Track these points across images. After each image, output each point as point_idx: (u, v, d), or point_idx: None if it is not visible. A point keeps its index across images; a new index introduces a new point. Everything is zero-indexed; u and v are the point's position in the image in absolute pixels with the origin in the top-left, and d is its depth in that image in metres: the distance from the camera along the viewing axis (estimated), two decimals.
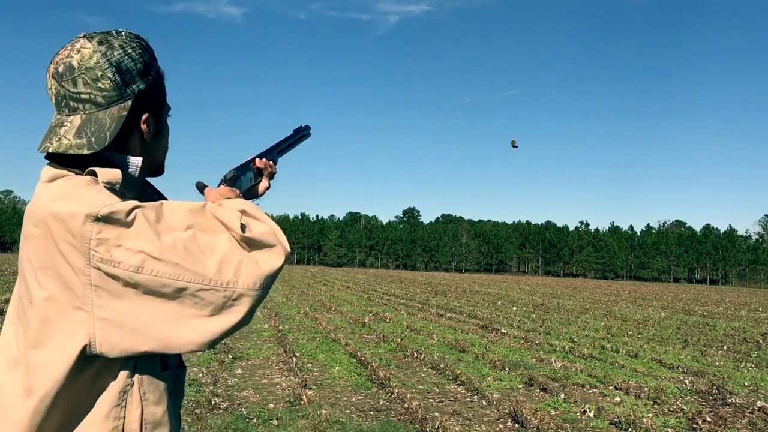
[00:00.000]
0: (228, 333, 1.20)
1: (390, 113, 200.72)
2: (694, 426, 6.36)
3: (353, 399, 7.09)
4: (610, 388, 8.25)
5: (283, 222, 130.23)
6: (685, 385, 8.63)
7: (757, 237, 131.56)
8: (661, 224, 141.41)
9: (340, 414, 6.38)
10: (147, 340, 1.15)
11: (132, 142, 1.29)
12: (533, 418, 6.21)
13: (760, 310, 29.46)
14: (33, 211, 1.19)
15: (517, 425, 6.20)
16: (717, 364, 10.95)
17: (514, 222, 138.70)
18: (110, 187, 1.19)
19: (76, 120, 1.21)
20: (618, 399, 7.56)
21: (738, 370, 10.23)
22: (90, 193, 1.16)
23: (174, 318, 1.15)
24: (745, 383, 9.06)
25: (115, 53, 1.22)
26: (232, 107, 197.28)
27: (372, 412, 6.51)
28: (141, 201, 1.22)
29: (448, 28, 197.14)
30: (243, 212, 1.25)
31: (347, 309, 18.55)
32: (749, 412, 7.12)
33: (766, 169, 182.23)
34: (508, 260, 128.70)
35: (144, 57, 1.26)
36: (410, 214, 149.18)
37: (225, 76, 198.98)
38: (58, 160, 1.26)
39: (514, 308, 22.51)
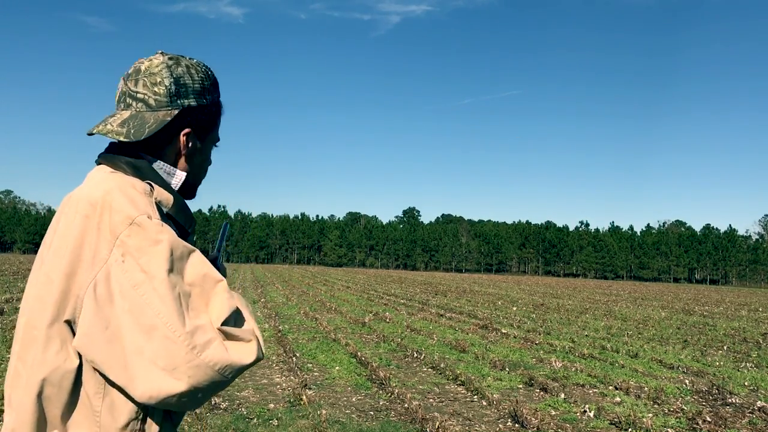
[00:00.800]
0: (162, 401, 1.14)
1: (390, 113, 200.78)
2: (694, 426, 6.36)
3: (353, 399, 7.09)
4: (610, 388, 8.25)
5: (283, 222, 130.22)
6: (685, 385, 8.63)
7: (757, 237, 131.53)
8: (661, 224, 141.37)
9: (340, 414, 6.38)
10: (98, 352, 1.15)
11: (168, 150, 1.38)
12: (533, 418, 6.21)
13: (760, 310, 29.46)
14: (90, 194, 1.25)
15: (517, 425, 6.20)
16: (717, 364, 10.94)
17: (514, 222, 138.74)
18: (159, 206, 1.29)
19: (126, 114, 1.34)
20: (618, 399, 7.56)
21: (738, 370, 10.23)
22: (142, 200, 1.25)
23: (133, 348, 1.13)
24: (745, 383, 9.06)
25: (179, 69, 1.36)
26: (232, 107, 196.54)
27: (372, 412, 6.51)
28: (179, 218, 1.35)
29: (449, 28, 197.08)
30: (237, 310, 1.25)
31: (347, 309, 18.55)
32: (749, 412, 7.12)
33: (766, 169, 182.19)
34: (508, 260, 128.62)
35: (204, 82, 1.39)
36: (410, 214, 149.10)
37: (226, 77, 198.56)
38: (108, 151, 1.37)
39: (514, 308, 22.52)
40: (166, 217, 1.30)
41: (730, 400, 7.70)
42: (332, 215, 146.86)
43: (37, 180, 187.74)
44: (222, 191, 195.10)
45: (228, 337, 1.20)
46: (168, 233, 1.21)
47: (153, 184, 1.30)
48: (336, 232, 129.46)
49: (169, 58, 1.35)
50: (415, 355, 10.16)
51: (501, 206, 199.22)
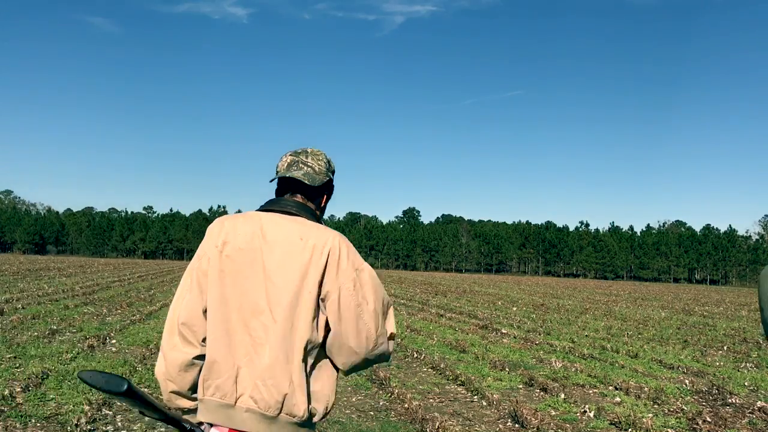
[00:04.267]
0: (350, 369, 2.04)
1: (392, 113, 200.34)
2: (694, 426, 6.36)
3: (353, 399, 7.10)
4: (610, 388, 8.25)
5: None
6: (685, 385, 8.63)
7: (757, 237, 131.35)
8: (661, 224, 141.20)
9: (340, 414, 6.38)
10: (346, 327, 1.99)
11: (318, 206, 2.14)
12: (533, 418, 6.20)
13: None
14: (328, 239, 1.95)
15: (517, 425, 6.20)
16: (717, 364, 10.95)
17: (514, 222, 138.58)
18: None
19: (302, 172, 2.06)
20: (618, 399, 7.56)
21: (738, 371, 10.23)
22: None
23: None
24: (745, 383, 9.06)
25: (327, 157, 2.18)
26: (235, 107, 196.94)
27: (372, 412, 6.51)
28: None
29: (453, 28, 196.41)
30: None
31: None
32: (749, 412, 7.12)
33: (766, 169, 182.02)
34: (508, 260, 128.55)
35: (333, 168, 2.20)
36: (410, 214, 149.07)
37: (229, 77, 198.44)
38: (291, 205, 2.07)
39: (514, 308, 22.51)
40: None
41: (730, 400, 7.70)
42: (332, 215, 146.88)
43: (37, 180, 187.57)
44: (222, 191, 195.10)
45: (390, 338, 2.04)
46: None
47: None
48: None
49: (318, 152, 2.15)
50: (415, 355, 10.16)
51: (501, 206, 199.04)
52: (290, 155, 2.10)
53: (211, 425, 1.87)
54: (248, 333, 1.85)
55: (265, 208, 2.05)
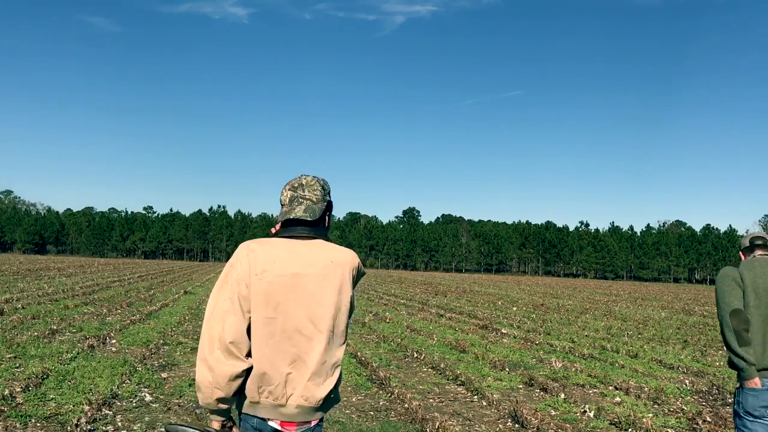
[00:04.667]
0: None
1: (392, 113, 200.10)
2: (694, 426, 6.36)
3: (353, 399, 7.10)
4: (610, 388, 8.25)
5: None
6: (685, 385, 8.63)
7: None
8: (661, 224, 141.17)
9: (340, 414, 6.38)
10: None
11: (322, 224, 2.42)
12: (533, 418, 6.20)
13: None
14: (349, 258, 2.39)
15: (517, 425, 6.20)
16: (717, 364, 10.95)
17: (514, 222, 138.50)
18: None
19: (302, 207, 2.35)
20: (618, 399, 7.56)
21: None
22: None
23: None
24: None
25: (322, 182, 2.45)
26: (236, 107, 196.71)
27: (372, 412, 6.51)
28: None
29: (453, 28, 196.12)
30: None
31: None
32: None
33: (766, 169, 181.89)
34: (508, 260, 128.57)
35: (328, 189, 2.46)
36: (410, 214, 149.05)
37: (229, 77, 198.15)
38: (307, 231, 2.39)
39: (514, 308, 22.52)
40: None
41: (730, 400, 7.69)
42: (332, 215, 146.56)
43: (37, 180, 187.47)
44: (222, 191, 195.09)
45: None
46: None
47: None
48: (336, 232, 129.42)
49: (316, 180, 2.42)
50: (415, 355, 10.16)
51: (501, 206, 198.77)
52: (289, 190, 2.39)
53: (268, 419, 2.24)
54: (293, 345, 2.23)
55: (285, 235, 2.36)
